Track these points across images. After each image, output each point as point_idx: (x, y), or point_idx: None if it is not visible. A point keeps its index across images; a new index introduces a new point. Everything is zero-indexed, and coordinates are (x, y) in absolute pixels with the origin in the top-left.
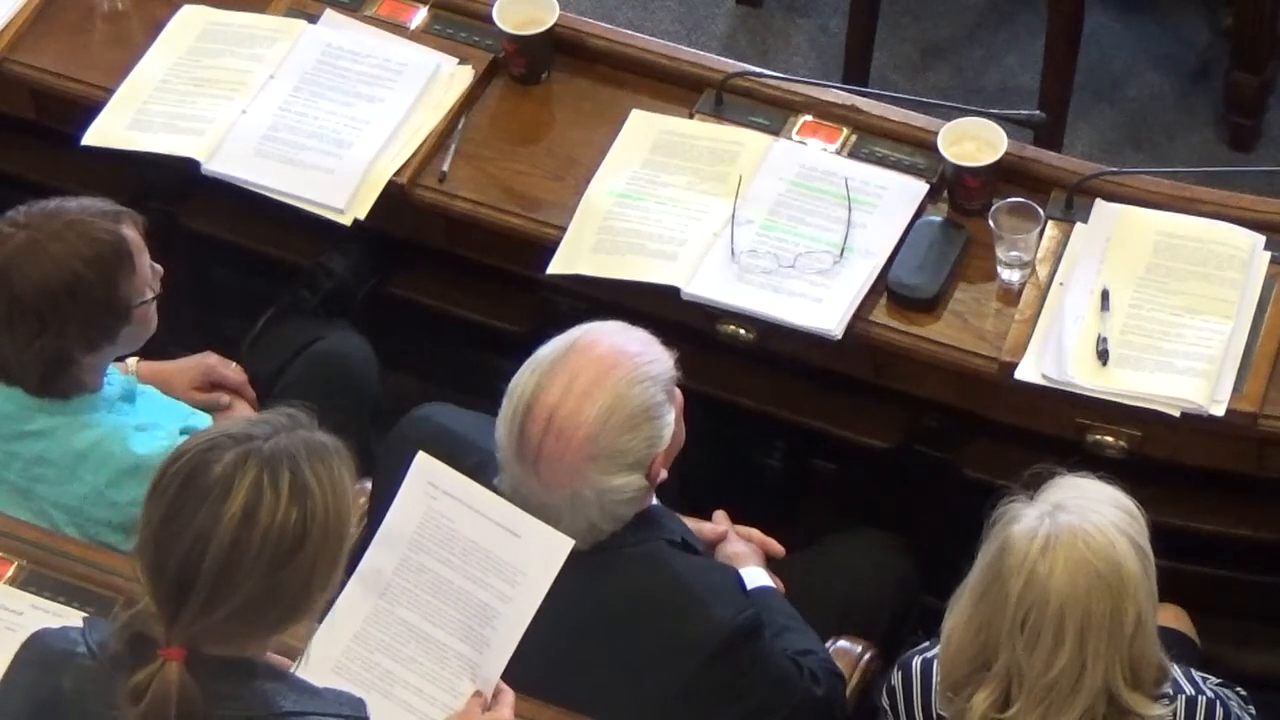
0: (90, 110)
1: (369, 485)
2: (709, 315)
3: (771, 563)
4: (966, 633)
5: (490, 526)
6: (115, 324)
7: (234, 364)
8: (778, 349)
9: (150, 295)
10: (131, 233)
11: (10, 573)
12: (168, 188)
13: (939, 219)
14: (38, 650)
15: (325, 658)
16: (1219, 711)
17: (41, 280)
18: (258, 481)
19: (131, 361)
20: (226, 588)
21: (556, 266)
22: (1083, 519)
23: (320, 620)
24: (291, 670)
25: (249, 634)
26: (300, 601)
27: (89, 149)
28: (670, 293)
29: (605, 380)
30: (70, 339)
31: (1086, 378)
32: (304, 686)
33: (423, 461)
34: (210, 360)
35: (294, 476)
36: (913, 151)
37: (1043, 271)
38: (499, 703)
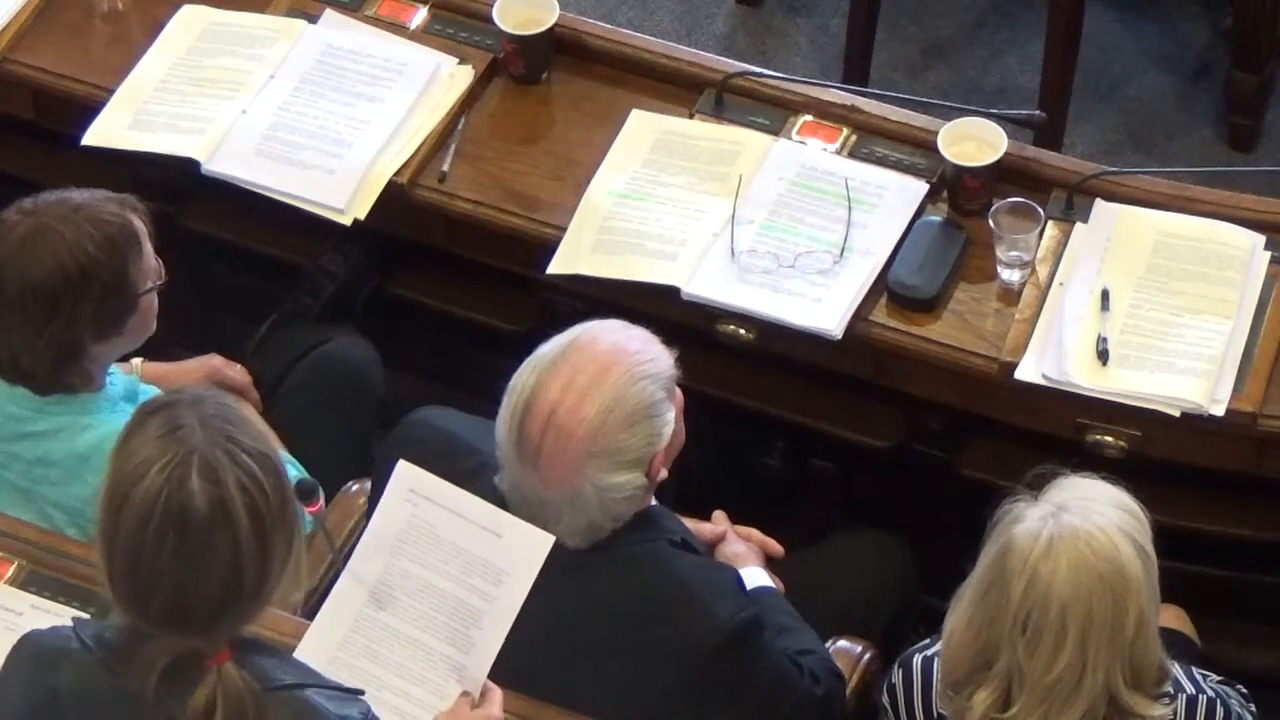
0: (90, 110)
1: (369, 485)
2: (709, 315)
3: (771, 563)
4: (968, 632)
5: (471, 528)
6: (125, 310)
7: (239, 366)
8: (778, 349)
9: (154, 284)
10: (137, 219)
11: (10, 573)
12: (168, 188)
13: (939, 219)
14: (31, 650)
15: (313, 663)
16: (1219, 711)
17: (55, 264)
18: (226, 500)
19: (136, 362)
20: (250, 593)
21: (556, 266)
22: (1085, 520)
23: (308, 623)
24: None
25: (255, 613)
26: (284, 561)
27: (89, 149)
28: (670, 293)
29: (605, 378)
30: (83, 324)
31: (1086, 378)
32: (298, 664)
33: (403, 469)
34: (215, 362)
35: (239, 468)
36: (913, 151)
37: (1043, 271)
38: (488, 700)
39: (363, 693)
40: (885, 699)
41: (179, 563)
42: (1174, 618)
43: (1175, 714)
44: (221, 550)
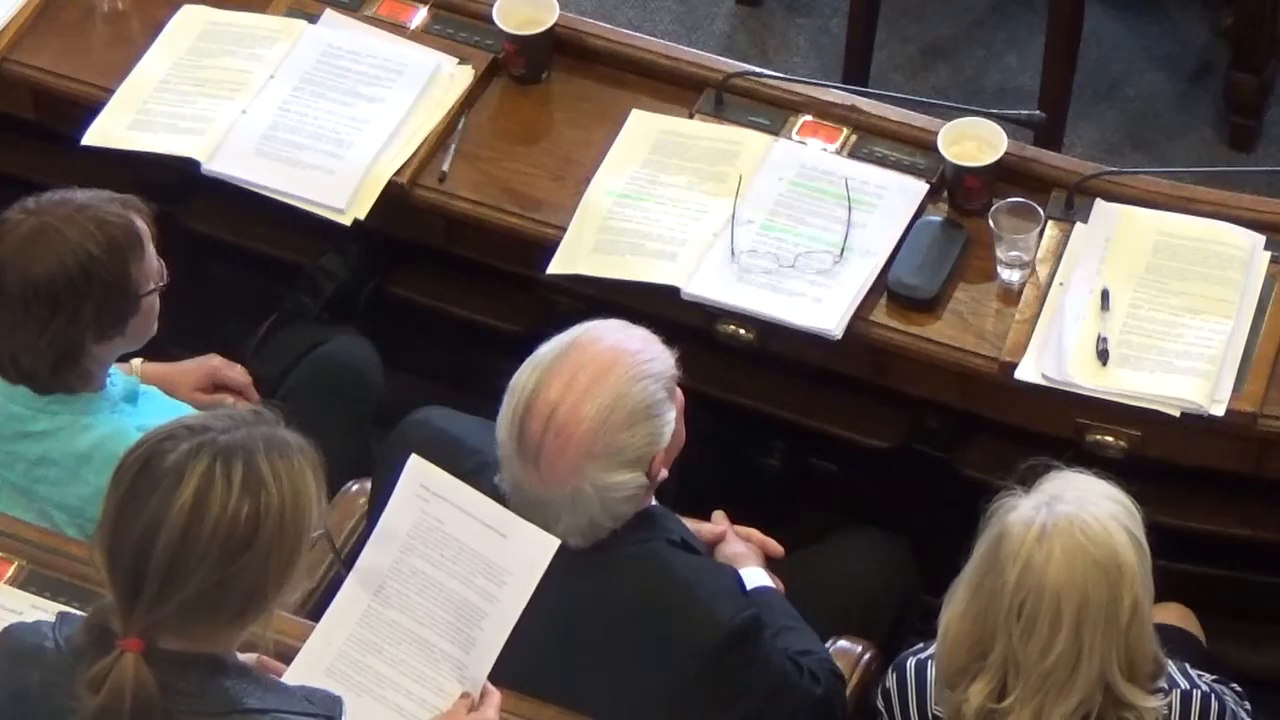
0: (90, 110)
1: (369, 485)
2: (709, 315)
3: (771, 563)
4: (963, 623)
5: (479, 527)
6: (126, 310)
7: (239, 366)
8: (778, 349)
9: (156, 285)
10: (140, 220)
11: (10, 573)
12: (168, 188)
13: (939, 219)
14: (8, 645)
15: (318, 660)
16: (1214, 706)
17: (57, 263)
18: (209, 471)
19: (136, 363)
20: (178, 577)
21: (556, 266)
22: (1080, 508)
23: (316, 621)
24: (284, 672)
25: (206, 627)
26: (256, 596)
27: (89, 149)
28: (670, 292)
29: (606, 377)
30: (84, 324)
31: (1086, 378)
32: (271, 684)
33: (415, 464)
34: (214, 362)
35: (248, 469)
36: (913, 151)
37: (1043, 271)
38: (485, 703)
39: (337, 716)
40: (880, 703)
41: (121, 494)
42: (1180, 616)
43: (1170, 708)
44: (152, 503)
